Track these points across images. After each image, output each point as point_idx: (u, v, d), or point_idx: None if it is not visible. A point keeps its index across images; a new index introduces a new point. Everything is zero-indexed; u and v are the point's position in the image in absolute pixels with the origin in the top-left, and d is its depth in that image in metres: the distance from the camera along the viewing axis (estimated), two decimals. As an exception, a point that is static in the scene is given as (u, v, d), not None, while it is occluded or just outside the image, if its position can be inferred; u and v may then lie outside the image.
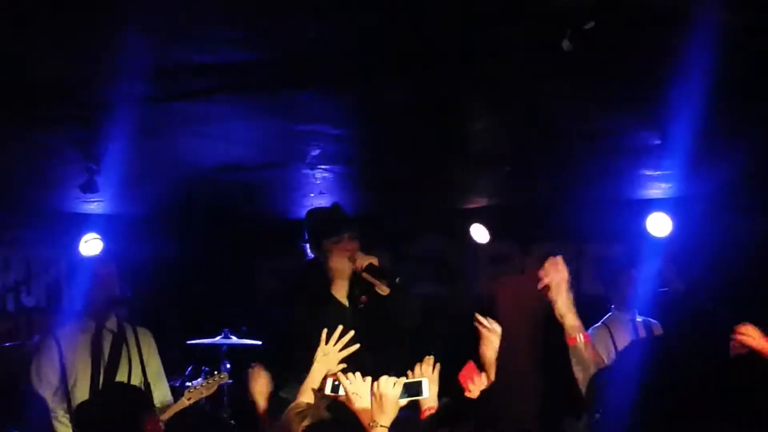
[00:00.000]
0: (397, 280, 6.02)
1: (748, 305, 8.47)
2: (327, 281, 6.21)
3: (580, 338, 4.96)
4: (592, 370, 4.75)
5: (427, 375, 5.16)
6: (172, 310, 10.09)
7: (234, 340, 9.28)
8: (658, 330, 8.38)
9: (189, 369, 8.93)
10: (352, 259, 6.01)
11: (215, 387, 7.42)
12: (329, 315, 5.99)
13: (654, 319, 8.56)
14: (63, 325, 6.99)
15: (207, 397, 8.62)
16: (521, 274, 3.29)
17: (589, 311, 8.57)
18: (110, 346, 6.89)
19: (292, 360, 5.65)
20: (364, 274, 5.99)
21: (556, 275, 5.15)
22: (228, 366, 9.22)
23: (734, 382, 3.08)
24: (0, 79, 5.67)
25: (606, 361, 6.73)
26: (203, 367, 8.87)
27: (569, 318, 5.01)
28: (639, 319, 8.47)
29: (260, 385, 5.61)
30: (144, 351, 6.93)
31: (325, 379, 5.32)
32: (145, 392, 6.56)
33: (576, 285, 9.80)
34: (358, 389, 4.99)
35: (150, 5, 4.63)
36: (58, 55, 5.32)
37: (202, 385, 7.26)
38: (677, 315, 8.69)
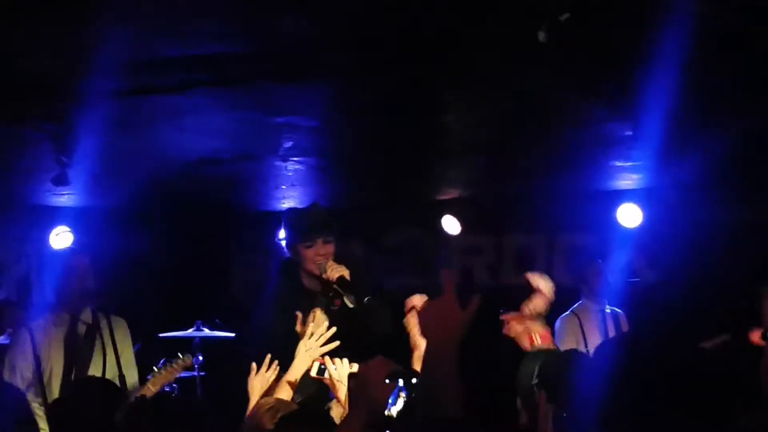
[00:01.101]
0: (366, 300, 6.01)
1: (718, 295, 8.57)
2: (298, 274, 6.19)
3: (537, 339, 5.11)
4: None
5: None
6: (144, 303, 10.04)
7: (206, 332, 9.25)
8: (624, 320, 8.44)
9: (162, 362, 8.89)
10: (323, 268, 5.98)
11: (179, 371, 7.33)
12: (300, 305, 5.98)
13: (624, 309, 8.61)
14: (36, 318, 6.92)
15: (179, 388, 8.65)
16: (441, 298, 3.30)
17: (560, 300, 8.65)
18: (84, 338, 6.83)
19: (277, 357, 5.63)
20: (334, 285, 5.98)
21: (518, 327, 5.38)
22: (200, 358, 9.19)
23: (706, 374, 3.10)
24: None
25: (576, 348, 6.76)
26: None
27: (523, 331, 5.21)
28: (608, 309, 8.51)
29: (259, 382, 5.56)
30: (118, 340, 6.86)
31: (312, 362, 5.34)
32: (120, 385, 6.51)
33: (548, 274, 9.95)
34: (342, 376, 5.00)
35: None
36: (32, 47, 5.30)
37: (166, 370, 7.17)
38: (648, 306, 8.79)
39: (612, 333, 8.31)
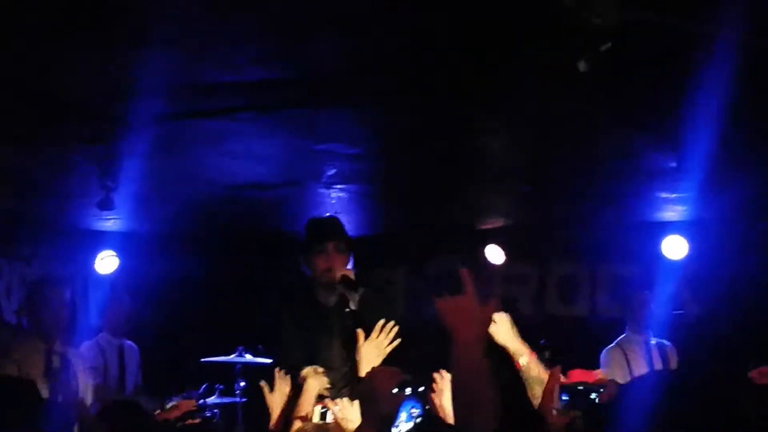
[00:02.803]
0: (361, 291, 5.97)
1: (764, 328, 8.46)
2: (313, 289, 6.13)
3: (523, 361, 5.09)
4: (539, 388, 4.82)
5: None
6: (187, 328, 10.10)
7: (248, 358, 9.26)
8: (672, 352, 8.34)
9: (203, 387, 8.92)
10: (332, 270, 5.94)
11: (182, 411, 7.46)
12: (314, 320, 5.96)
13: (669, 341, 8.52)
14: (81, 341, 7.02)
15: (221, 415, 8.67)
16: (461, 296, 3.30)
17: (603, 332, 8.59)
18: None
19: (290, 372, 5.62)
20: (339, 285, 5.94)
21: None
22: (242, 384, 9.20)
23: (752, 411, 3.04)
24: (20, 95, 5.71)
25: (622, 381, 6.68)
26: (217, 385, 8.87)
27: (511, 344, 5.14)
28: (653, 341, 8.42)
29: (278, 396, 5.56)
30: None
31: (313, 407, 5.30)
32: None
33: (591, 305, 9.86)
34: (347, 414, 4.94)
35: (171, 24, 4.66)
36: (79, 72, 5.35)
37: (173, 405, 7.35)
38: (692, 339, 8.70)
39: (658, 365, 8.22)
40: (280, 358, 5.92)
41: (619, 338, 8.52)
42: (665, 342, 8.42)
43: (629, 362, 8.27)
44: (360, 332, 5.46)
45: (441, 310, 3.43)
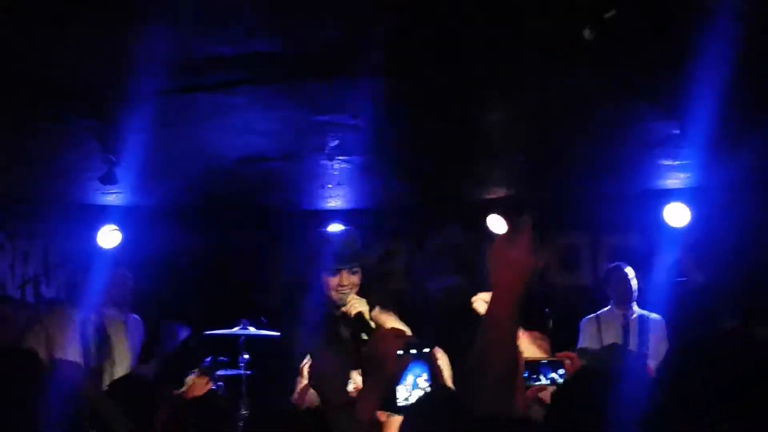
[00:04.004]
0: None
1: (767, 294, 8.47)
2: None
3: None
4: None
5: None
6: (190, 301, 10.11)
7: (252, 330, 9.28)
8: (657, 325, 8.35)
9: (208, 359, 8.94)
10: (344, 301, 5.90)
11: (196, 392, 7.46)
12: (331, 334, 5.95)
13: (672, 309, 8.54)
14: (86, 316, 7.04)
15: (225, 388, 8.68)
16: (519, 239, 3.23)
17: (605, 300, 8.61)
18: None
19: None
20: (352, 320, 5.91)
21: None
22: (246, 357, 9.22)
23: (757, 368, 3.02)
24: (20, 72, 5.71)
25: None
26: (220, 357, 8.89)
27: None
28: (635, 315, 8.42)
29: None
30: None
31: None
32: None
33: (593, 274, 9.85)
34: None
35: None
36: (79, 48, 5.35)
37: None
38: (695, 306, 8.71)
39: (633, 339, 8.26)
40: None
41: (601, 310, 8.57)
42: (651, 316, 8.42)
43: (602, 334, 8.33)
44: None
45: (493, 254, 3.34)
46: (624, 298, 8.42)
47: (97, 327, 7.28)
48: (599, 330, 8.38)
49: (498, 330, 3.25)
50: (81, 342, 6.90)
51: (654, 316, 8.40)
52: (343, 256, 5.92)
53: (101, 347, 7.65)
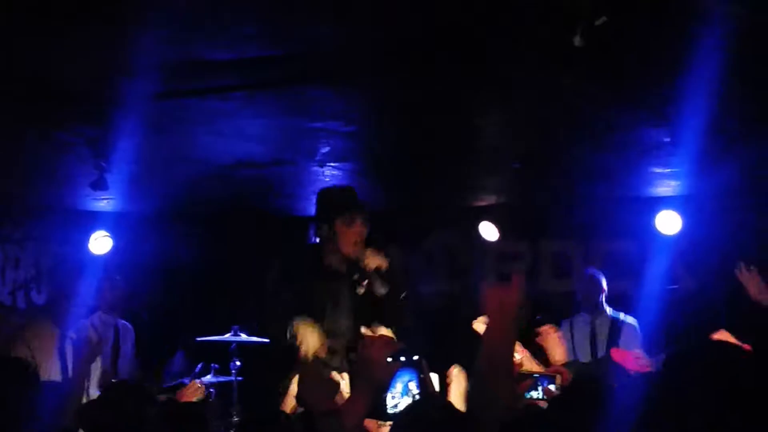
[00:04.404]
0: (402, 296, 5.94)
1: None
2: (321, 254, 6.04)
3: (516, 357, 5.22)
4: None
5: None
6: (181, 307, 10.11)
7: (243, 337, 9.26)
8: (628, 329, 8.36)
9: (199, 366, 8.94)
10: (362, 255, 5.88)
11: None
12: (320, 283, 5.91)
13: (662, 317, 8.56)
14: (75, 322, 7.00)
15: (217, 394, 8.66)
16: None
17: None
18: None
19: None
20: (371, 273, 5.89)
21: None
22: (238, 363, 9.20)
23: (747, 378, 3.03)
24: (11, 76, 5.70)
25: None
26: (212, 364, 8.87)
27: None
28: (605, 318, 8.45)
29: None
30: None
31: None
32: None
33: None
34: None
35: (166, 3, 4.65)
36: (71, 52, 5.34)
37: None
38: (686, 313, 8.72)
39: (603, 343, 8.30)
40: (267, 310, 5.86)
41: (574, 315, 8.62)
42: (625, 319, 8.43)
43: (573, 340, 8.37)
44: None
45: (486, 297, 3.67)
46: (590, 303, 8.50)
47: (87, 334, 7.24)
48: (572, 335, 8.44)
49: (495, 353, 3.57)
50: (63, 353, 6.85)
51: (628, 320, 8.43)
52: (358, 205, 5.91)
53: (90, 354, 7.62)
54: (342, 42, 5.26)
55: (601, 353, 8.13)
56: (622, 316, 8.46)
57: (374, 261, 5.85)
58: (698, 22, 4.72)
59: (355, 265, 5.89)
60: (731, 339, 6.10)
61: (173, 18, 4.84)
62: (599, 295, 8.49)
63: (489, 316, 3.61)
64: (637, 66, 5.52)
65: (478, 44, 5.24)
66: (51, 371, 6.70)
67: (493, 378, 3.51)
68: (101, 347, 8.20)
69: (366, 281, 5.90)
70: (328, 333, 5.64)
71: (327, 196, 6.08)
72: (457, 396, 5.60)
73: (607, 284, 8.79)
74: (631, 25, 4.76)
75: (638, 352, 6.29)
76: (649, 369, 6.04)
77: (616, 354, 6.84)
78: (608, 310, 8.51)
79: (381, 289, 5.89)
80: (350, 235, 5.86)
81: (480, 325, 5.68)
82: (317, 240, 6.11)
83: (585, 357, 8.26)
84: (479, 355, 3.59)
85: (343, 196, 6.03)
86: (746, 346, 5.93)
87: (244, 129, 7.03)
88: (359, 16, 4.86)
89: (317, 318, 5.65)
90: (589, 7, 4.20)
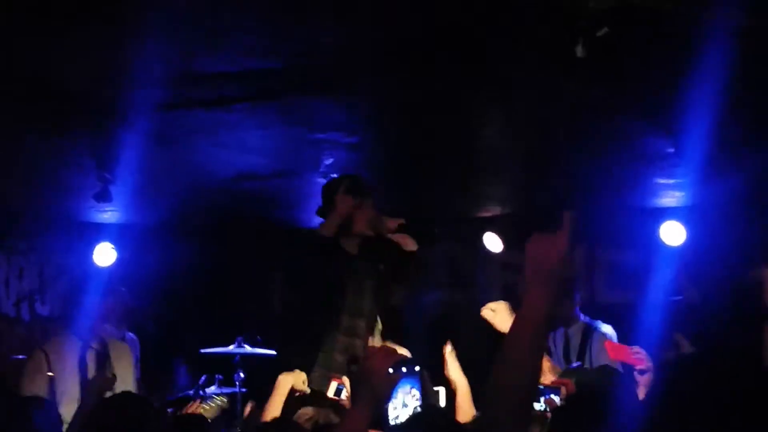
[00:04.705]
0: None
1: (761, 315, 8.48)
2: (341, 241, 6.05)
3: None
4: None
5: None
6: (186, 319, 10.11)
7: (248, 349, 9.26)
8: (600, 337, 8.31)
9: (203, 378, 8.93)
10: (379, 222, 5.91)
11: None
12: (340, 267, 5.92)
13: (671, 327, 8.54)
14: (79, 335, 6.93)
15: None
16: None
17: (602, 317, 8.59)
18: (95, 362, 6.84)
19: (314, 331, 5.63)
20: (394, 235, 5.92)
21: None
22: (242, 375, 9.20)
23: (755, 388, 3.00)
24: (15, 87, 5.70)
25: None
26: (216, 375, 8.87)
27: None
28: (578, 326, 8.42)
29: (292, 379, 5.51)
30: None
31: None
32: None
33: (589, 292, 9.85)
34: None
35: (166, 13, 4.65)
36: (76, 63, 5.34)
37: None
38: (691, 324, 8.71)
39: (575, 350, 8.27)
40: (305, 305, 5.88)
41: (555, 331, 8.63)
42: (599, 327, 8.38)
43: (550, 350, 8.37)
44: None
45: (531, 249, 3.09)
46: (564, 317, 8.45)
47: (97, 348, 7.19)
48: (554, 343, 8.43)
49: (524, 341, 3.00)
50: (80, 367, 6.79)
51: (603, 327, 8.36)
52: (368, 186, 5.96)
53: (102, 368, 7.57)
54: (342, 52, 5.26)
55: (574, 359, 8.09)
56: (599, 324, 8.41)
57: (393, 221, 5.90)
58: (702, 30, 4.71)
59: (368, 245, 5.93)
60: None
61: (174, 29, 4.84)
62: (572, 310, 8.44)
63: (529, 274, 3.05)
64: (640, 74, 5.51)
65: (483, 56, 5.25)
66: (69, 383, 6.64)
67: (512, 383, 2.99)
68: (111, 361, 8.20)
69: (382, 264, 5.95)
70: (350, 314, 5.78)
71: (336, 182, 6.13)
72: (455, 370, 5.65)
73: (611, 294, 8.78)
74: (634, 35, 4.75)
75: (635, 347, 6.23)
76: (645, 363, 6.03)
77: (611, 348, 6.81)
78: (581, 317, 8.46)
79: (410, 244, 5.93)
80: (363, 215, 5.90)
81: (488, 311, 5.67)
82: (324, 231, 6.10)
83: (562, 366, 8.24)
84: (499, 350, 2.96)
85: (351, 180, 6.08)
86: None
87: (247, 141, 7.04)
88: (359, 16, 4.85)
89: (338, 305, 5.74)
90: (591, 17, 4.20)
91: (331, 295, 5.81)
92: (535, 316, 2.89)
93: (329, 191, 6.03)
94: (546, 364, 5.69)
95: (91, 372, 6.74)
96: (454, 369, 5.71)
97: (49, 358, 6.67)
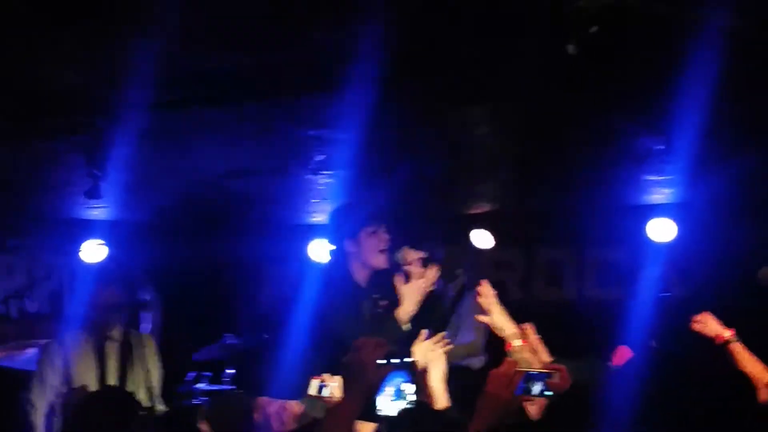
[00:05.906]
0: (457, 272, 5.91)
1: (750, 311, 8.50)
2: (351, 274, 5.96)
3: (517, 343, 5.17)
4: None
5: None
6: (175, 316, 10.09)
7: (237, 345, 9.28)
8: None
9: (192, 374, 8.94)
10: (400, 255, 5.84)
11: None
12: (349, 300, 5.83)
13: (654, 323, 8.57)
14: (68, 332, 6.86)
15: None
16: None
17: (590, 315, 8.62)
18: (116, 355, 6.73)
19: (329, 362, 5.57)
20: (410, 268, 5.83)
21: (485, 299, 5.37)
22: (230, 372, 9.21)
23: (730, 392, 3.04)
24: (6, 85, 5.70)
25: None
26: (204, 372, 8.88)
27: (507, 328, 5.26)
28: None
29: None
30: (149, 359, 6.81)
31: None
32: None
33: (578, 289, 9.88)
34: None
35: (157, 13, 4.65)
36: (66, 62, 5.35)
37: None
38: (678, 320, 8.73)
39: None
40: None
41: None
42: None
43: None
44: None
45: None
46: None
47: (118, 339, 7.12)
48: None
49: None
50: (103, 359, 6.71)
51: None
52: (379, 212, 5.87)
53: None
54: (333, 50, 5.27)
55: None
56: None
57: (413, 253, 5.82)
58: (692, 30, 4.73)
59: (376, 279, 5.86)
60: (714, 321, 6.13)
61: (166, 28, 4.84)
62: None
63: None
64: (630, 73, 5.53)
65: (473, 55, 5.26)
66: (87, 378, 6.57)
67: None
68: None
69: (386, 302, 5.86)
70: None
71: (345, 209, 6.06)
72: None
73: (600, 291, 8.82)
74: (623, 33, 4.77)
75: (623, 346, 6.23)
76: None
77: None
78: None
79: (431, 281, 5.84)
80: (374, 243, 5.82)
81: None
82: (337, 259, 6.03)
83: None
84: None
85: (363, 205, 6.01)
86: (730, 330, 5.99)
87: (237, 138, 7.04)
88: (353, 26, 4.87)
89: (339, 334, 5.59)
90: (583, 16, 4.21)
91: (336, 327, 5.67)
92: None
93: (346, 221, 5.94)
94: (531, 335, 5.62)
95: (113, 364, 6.66)
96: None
97: (66, 352, 6.61)
